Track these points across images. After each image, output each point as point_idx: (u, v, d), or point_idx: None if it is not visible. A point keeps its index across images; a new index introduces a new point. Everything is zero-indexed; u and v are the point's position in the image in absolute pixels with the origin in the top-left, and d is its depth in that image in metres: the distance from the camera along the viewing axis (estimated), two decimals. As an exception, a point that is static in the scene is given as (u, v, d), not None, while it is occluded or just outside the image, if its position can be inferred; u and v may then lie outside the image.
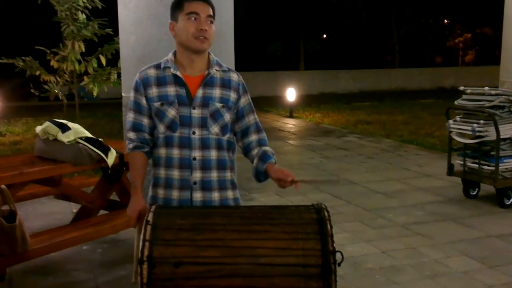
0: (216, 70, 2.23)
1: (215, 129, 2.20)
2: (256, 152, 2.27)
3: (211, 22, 2.17)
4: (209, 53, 2.26)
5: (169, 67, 2.20)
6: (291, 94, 13.79)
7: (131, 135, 2.26)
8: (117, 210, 4.06)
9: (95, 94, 7.22)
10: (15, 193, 3.41)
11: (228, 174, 2.26)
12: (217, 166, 2.22)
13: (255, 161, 2.26)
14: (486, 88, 5.34)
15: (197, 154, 2.17)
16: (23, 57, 7.00)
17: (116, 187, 4.10)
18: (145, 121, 2.23)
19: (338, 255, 1.83)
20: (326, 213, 1.93)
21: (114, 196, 4.26)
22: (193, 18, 2.13)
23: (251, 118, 2.31)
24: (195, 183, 2.18)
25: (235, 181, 2.32)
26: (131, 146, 2.26)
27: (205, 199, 2.20)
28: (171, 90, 2.18)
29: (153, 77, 2.21)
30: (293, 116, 13.37)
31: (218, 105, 2.20)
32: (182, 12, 2.15)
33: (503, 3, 8.14)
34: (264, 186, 6.18)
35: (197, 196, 2.19)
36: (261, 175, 2.24)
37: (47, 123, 3.63)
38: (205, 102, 2.18)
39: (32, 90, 7.79)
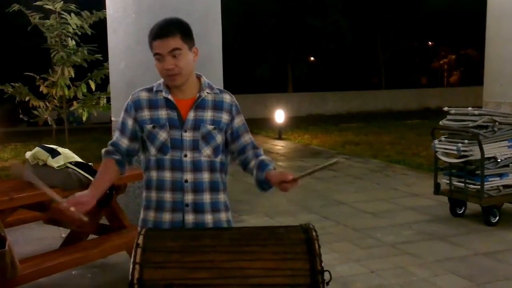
0: (207, 93, 2.25)
1: (207, 151, 2.21)
2: (254, 164, 2.26)
3: (176, 56, 2.13)
4: (200, 76, 2.30)
5: (161, 91, 2.24)
6: (279, 116, 13.90)
7: (109, 147, 2.31)
8: (106, 234, 4.06)
9: (84, 119, 7.25)
10: (4, 218, 3.41)
11: (221, 196, 2.28)
12: (210, 188, 2.23)
13: (255, 171, 2.24)
14: (470, 108, 5.46)
15: (188, 176, 2.19)
16: (12, 83, 7.02)
17: (106, 211, 4.10)
18: (125, 142, 2.28)
19: (326, 275, 1.86)
20: (314, 233, 1.96)
21: (103, 221, 4.26)
22: (157, 59, 2.16)
23: (247, 138, 2.32)
24: (187, 205, 2.20)
25: (228, 203, 2.33)
26: (103, 151, 2.31)
27: (197, 221, 2.21)
28: (162, 113, 2.21)
29: (145, 99, 2.25)
30: (282, 138, 13.45)
31: (210, 127, 2.22)
32: (152, 51, 2.18)
33: (485, 25, 8.35)
34: (253, 207, 6.22)
35: (189, 218, 2.20)
36: (263, 184, 2.22)
37: (37, 149, 3.66)
38: (197, 124, 2.20)
39: (21, 116, 7.77)
